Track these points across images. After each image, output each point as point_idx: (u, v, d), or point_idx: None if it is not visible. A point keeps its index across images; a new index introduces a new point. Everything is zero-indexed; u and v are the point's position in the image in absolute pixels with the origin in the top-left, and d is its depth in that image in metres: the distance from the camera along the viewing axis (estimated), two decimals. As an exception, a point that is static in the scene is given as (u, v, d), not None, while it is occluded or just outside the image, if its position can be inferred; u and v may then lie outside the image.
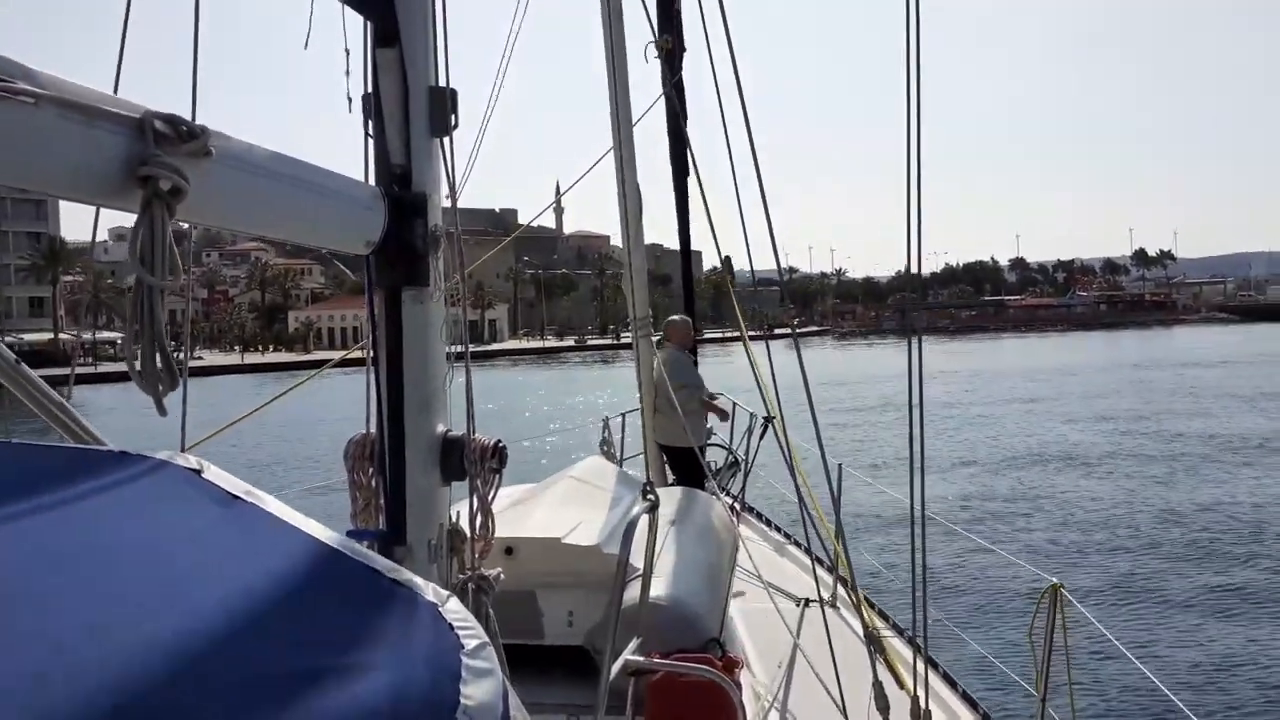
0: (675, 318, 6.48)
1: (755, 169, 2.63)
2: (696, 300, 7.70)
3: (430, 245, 2.23)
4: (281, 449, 23.21)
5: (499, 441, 2.32)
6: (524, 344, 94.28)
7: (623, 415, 7.16)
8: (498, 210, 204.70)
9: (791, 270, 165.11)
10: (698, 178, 4.39)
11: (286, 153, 1.78)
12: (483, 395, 2.49)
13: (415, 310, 2.25)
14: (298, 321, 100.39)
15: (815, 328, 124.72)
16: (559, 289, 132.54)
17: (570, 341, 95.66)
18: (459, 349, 2.32)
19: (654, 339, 5.62)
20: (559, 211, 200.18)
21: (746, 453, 6.75)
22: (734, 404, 7.04)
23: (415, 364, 2.24)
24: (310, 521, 1.02)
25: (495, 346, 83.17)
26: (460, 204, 2.49)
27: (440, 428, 2.33)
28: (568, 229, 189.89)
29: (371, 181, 2.24)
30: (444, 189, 2.29)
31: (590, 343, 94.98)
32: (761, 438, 6.38)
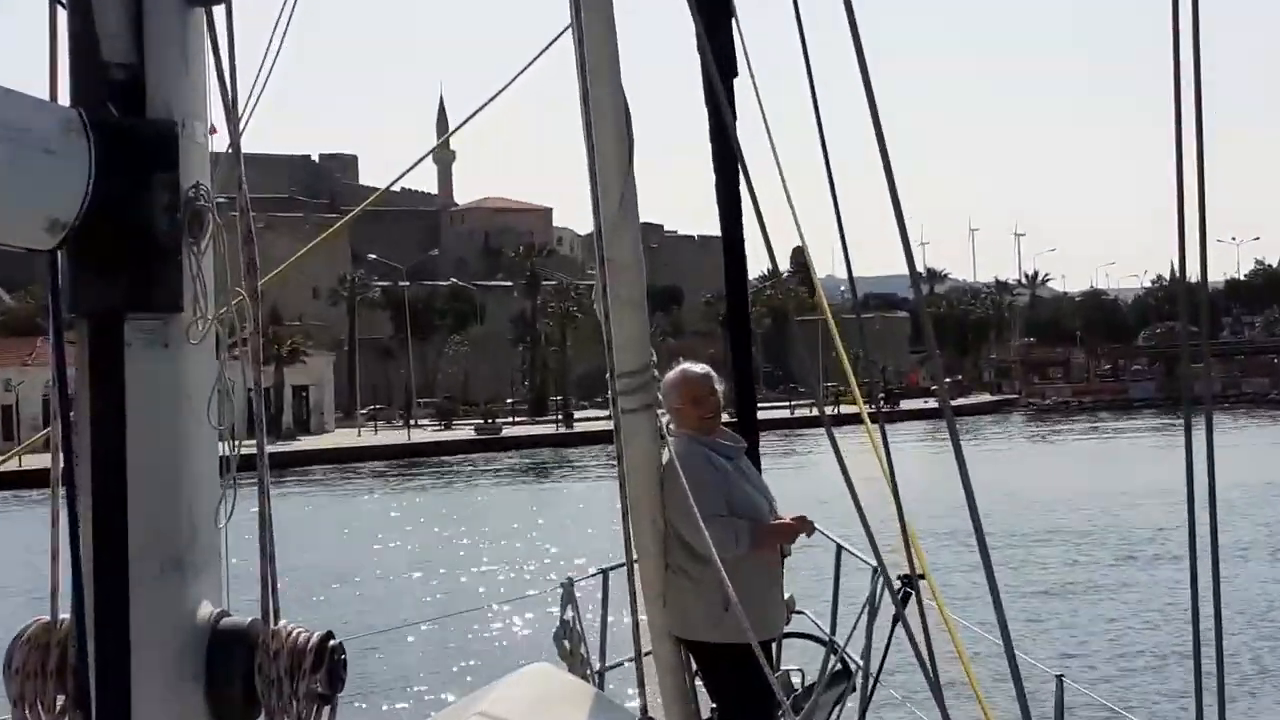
0: (696, 369, 6.66)
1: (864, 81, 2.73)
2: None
3: (186, 227, 2.34)
4: None
5: (328, 638, 2.39)
6: (370, 437, 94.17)
7: (602, 572, 7.51)
8: (315, 160, 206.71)
9: (932, 276, 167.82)
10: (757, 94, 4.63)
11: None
12: (296, 537, 2.59)
13: (151, 360, 2.36)
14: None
15: (989, 397, 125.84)
16: (442, 315, 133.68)
17: (467, 431, 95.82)
18: (245, 444, 2.42)
19: (659, 416, 5.73)
20: (445, 161, 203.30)
21: (866, 652, 7.02)
22: (840, 546, 7.35)
23: (152, 475, 2.35)
24: None
25: (307, 444, 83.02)
26: (248, 148, 2.62)
27: (206, 607, 2.40)
28: (463, 195, 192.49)
29: (63, 99, 2.36)
30: (214, 113, 2.41)
31: (507, 433, 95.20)
32: (897, 623, 6.59)
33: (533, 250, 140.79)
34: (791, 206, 4.48)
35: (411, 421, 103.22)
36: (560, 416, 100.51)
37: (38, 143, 2.19)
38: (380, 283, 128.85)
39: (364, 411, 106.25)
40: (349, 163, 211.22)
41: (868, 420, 5.25)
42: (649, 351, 5.42)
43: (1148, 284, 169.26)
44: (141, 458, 2.36)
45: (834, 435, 3.33)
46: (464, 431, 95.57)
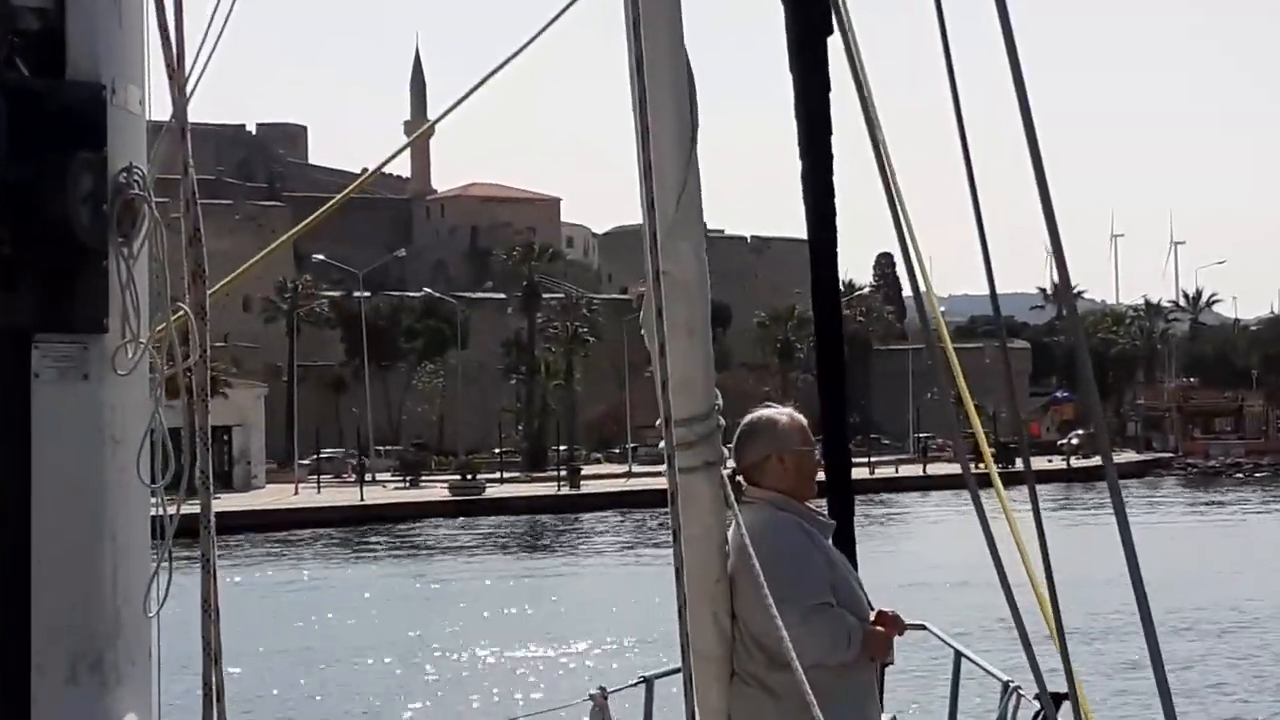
0: (781, 415, 6.67)
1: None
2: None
3: (114, 222, 2.38)
4: None
5: None
6: (310, 495, 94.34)
7: (644, 681, 7.61)
8: (252, 131, 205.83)
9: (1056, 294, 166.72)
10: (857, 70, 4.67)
11: None
12: (229, 626, 2.61)
13: (66, 395, 2.39)
14: None
15: (1135, 455, 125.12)
16: (412, 336, 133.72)
17: (440, 490, 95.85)
18: (179, 498, 2.45)
19: (725, 473, 5.74)
20: (421, 144, 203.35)
21: None
22: (959, 653, 7.40)
23: (64, 546, 2.37)
24: None
25: (228, 503, 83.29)
26: (157, 114, 2.64)
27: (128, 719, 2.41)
28: (443, 181, 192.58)
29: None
30: (153, 75, 2.44)
31: (493, 494, 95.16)
32: None
33: (532, 252, 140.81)
34: (899, 200, 4.48)
35: (368, 476, 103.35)
36: (563, 473, 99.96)
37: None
38: (330, 292, 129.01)
39: (305, 462, 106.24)
40: (295, 135, 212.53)
41: (998, 482, 5.19)
42: (713, 393, 5.44)
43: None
44: (51, 521, 2.38)
45: (980, 501, 3.33)
46: (436, 490, 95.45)
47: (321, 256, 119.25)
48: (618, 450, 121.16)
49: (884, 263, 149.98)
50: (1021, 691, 6.94)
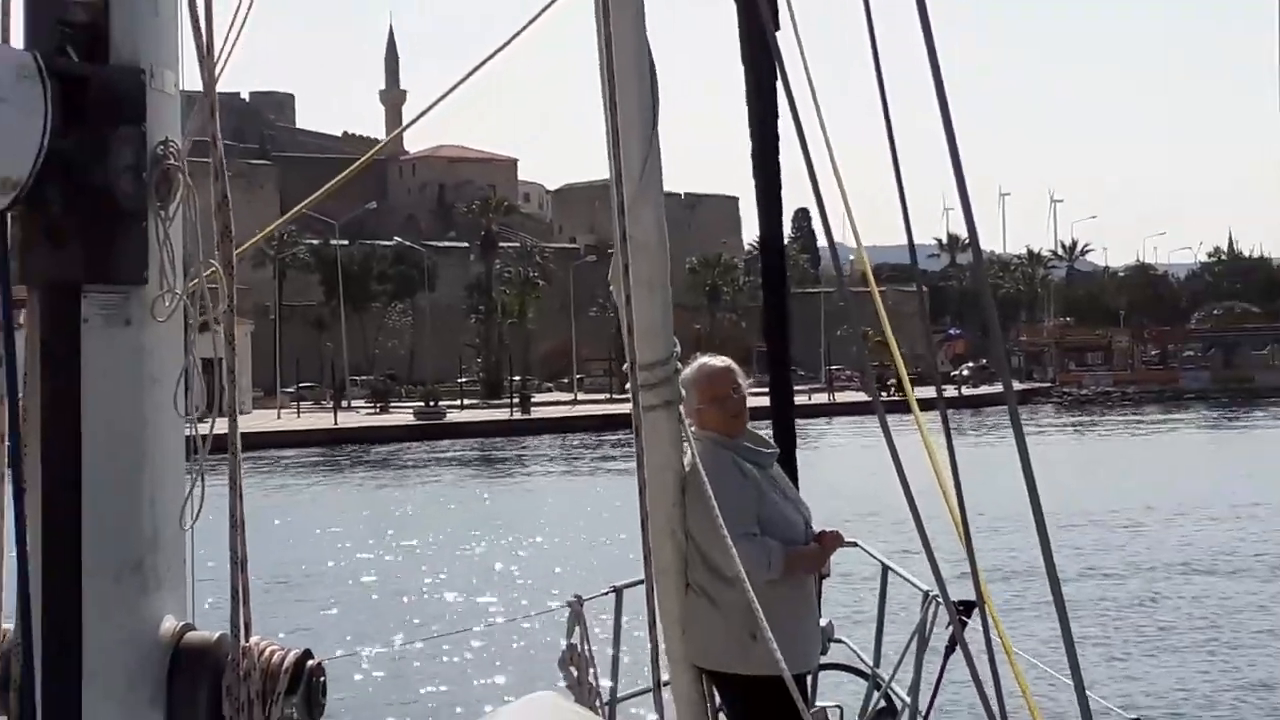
0: (716, 363, 6.75)
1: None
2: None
3: (153, 189, 2.41)
4: None
5: (306, 657, 2.46)
6: (290, 420, 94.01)
7: (615, 591, 7.60)
8: (245, 98, 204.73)
9: (954, 244, 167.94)
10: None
11: None
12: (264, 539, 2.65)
13: (111, 339, 2.43)
14: None
15: (1018, 385, 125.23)
16: (383, 280, 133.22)
17: (406, 415, 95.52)
18: (211, 427, 2.48)
19: (680, 413, 5.77)
20: (393, 102, 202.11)
21: (914, 687, 7.22)
22: (885, 566, 7.53)
23: (110, 468, 2.42)
24: None
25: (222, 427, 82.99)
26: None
27: (169, 620, 2.49)
28: (414, 143, 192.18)
29: (16, 42, 2.42)
30: (186, 53, 2.47)
31: (453, 419, 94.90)
32: (952, 649, 6.79)
33: (489, 205, 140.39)
34: (836, 171, 4.54)
35: (344, 404, 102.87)
36: (516, 400, 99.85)
37: (-16, 89, 2.22)
38: (311, 241, 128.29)
39: (289, 390, 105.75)
40: (284, 102, 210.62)
41: (917, 410, 5.25)
42: (672, 341, 5.46)
43: (1204, 257, 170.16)
44: (99, 448, 2.42)
45: (889, 428, 3.37)
46: (403, 416, 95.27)
47: (317, 214, 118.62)
48: (565, 381, 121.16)
49: (801, 217, 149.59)
50: (938, 600, 7.05)
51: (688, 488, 5.86)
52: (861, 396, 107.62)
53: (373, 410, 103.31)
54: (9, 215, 2.36)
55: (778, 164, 6.67)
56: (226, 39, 2.92)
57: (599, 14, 3.92)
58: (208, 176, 2.61)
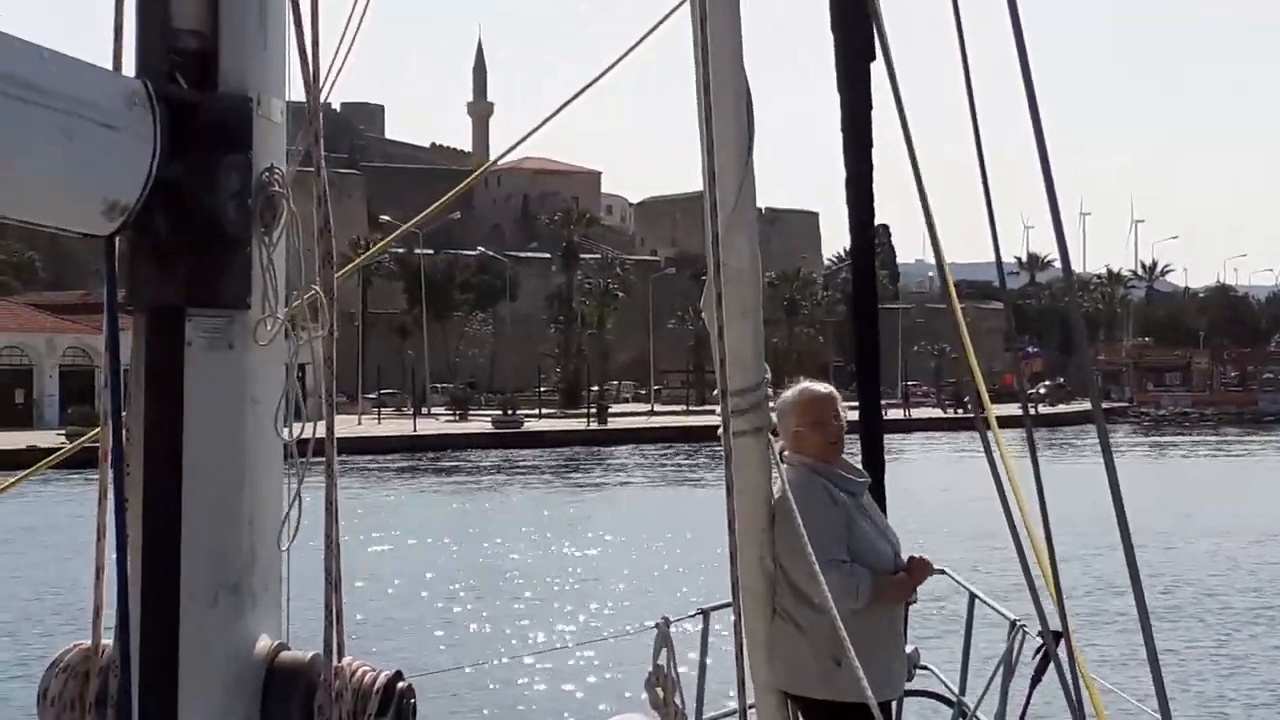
0: (820, 389, 6.76)
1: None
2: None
3: (258, 215, 2.43)
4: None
5: (397, 678, 2.47)
6: (371, 426, 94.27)
7: (702, 613, 7.63)
8: (337, 109, 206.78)
9: (1033, 263, 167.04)
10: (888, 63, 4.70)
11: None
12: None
13: (214, 361, 2.45)
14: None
15: (1099, 403, 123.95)
16: (466, 289, 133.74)
17: (485, 423, 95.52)
18: (308, 449, 2.49)
19: (771, 439, 5.76)
20: (481, 114, 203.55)
21: (1000, 716, 7.20)
22: (972, 594, 7.51)
23: (211, 489, 2.44)
24: None
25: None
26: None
27: (264, 639, 2.51)
28: (502, 154, 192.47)
29: (128, 70, 2.45)
30: (291, 80, 2.48)
31: (531, 428, 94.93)
32: (1038, 680, 6.76)
33: (571, 217, 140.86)
34: (924, 197, 4.53)
35: (424, 410, 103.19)
36: (593, 410, 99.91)
37: (98, 116, 2.25)
38: (395, 249, 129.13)
39: (371, 397, 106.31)
40: (375, 113, 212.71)
41: (996, 431, 5.13)
42: (763, 368, 5.47)
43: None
44: (200, 469, 2.44)
45: (995, 460, 3.34)
46: (481, 423, 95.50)
47: (387, 218, 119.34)
48: (644, 392, 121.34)
49: (881, 233, 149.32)
50: (1026, 629, 7.01)
51: (777, 513, 5.85)
52: (936, 412, 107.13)
53: (452, 418, 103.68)
54: (117, 239, 2.39)
55: (871, 188, 6.65)
56: (331, 65, 2.94)
57: (697, 42, 3.93)
58: (305, 196, 2.63)
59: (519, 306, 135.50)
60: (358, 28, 3.04)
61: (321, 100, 2.61)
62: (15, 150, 2.11)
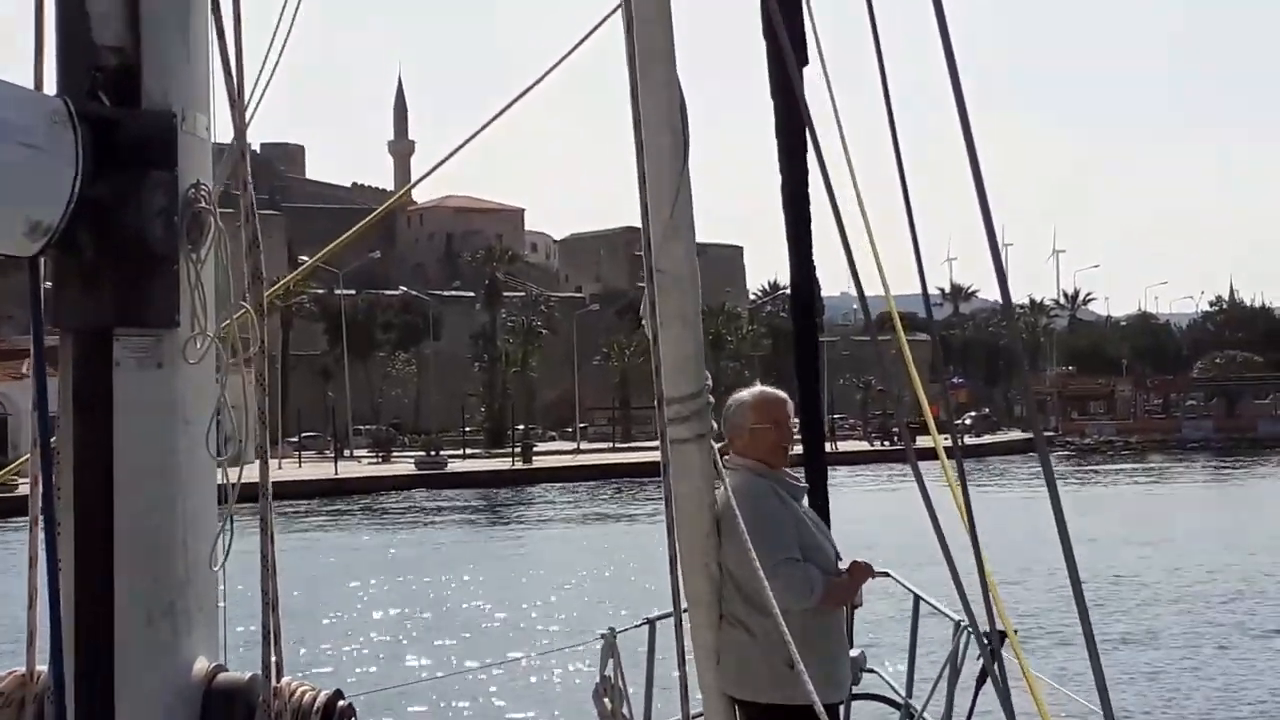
0: (751, 394, 6.87)
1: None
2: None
3: (184, 232, 2.42)
4: None
5: (337, 697, 2.46)
6: (291, 470, 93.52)
7: (648, 623, 7.63)
8: (256, 149, 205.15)
9: (956, 293, 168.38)
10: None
11: None
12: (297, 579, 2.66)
13: (143, 382, 2.44)
14: None
15: (1020, 434, 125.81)
16: (388, 329, 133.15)
17: (408, 465, 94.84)
18: (240, 476, 2.48)
19: (715, 447, 5.79)
20: (402, 153, 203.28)
21: (946, 716, 7.24)
22: (917, 596, 7.54)
23: (142, 510, 2.43)
24: None
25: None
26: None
27: (201, 661, 2.48)
28: (422, 194, 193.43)
29: (49, 88, 2.44)
30: (217, 99, 2.48)
31: (455, 469, 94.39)
32: (983, 680, 6.77)
33: (494, 254, 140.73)
34: (865, 218, 4.58)
35: (347, 453, 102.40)
36: (518, 449, 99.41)
37: (18, 136, 2.24)
38: (315, 289, 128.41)
39: (292, 440, 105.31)
40: (296, 153, 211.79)
41: (943, 455, 5.29)
42: (704, 375, 5.45)
43: (1205, 307, 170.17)
44: (131, 490, 2.42)
45: (920, 471, 3.39)
46: (404, 465, 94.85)
47: (305, 258, 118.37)
48: (570, 430, 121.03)
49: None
50: (970, 631, 7.07)
51: (723, 519, 5.85)
52: (863, 445, 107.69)
53: (375, 460, 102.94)
54: (42, 260, 2.37)
55: (808, 211, 6.70)
56: (256, 84, 2.94)
57: (629, 39, 3.93)
58: (231, 221, 2.62)
59: (443, 346, 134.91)
60: (285, 39, 3.04)
61: (247, 118, 2.61)
62: None
